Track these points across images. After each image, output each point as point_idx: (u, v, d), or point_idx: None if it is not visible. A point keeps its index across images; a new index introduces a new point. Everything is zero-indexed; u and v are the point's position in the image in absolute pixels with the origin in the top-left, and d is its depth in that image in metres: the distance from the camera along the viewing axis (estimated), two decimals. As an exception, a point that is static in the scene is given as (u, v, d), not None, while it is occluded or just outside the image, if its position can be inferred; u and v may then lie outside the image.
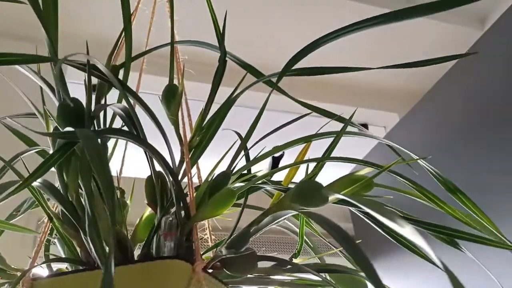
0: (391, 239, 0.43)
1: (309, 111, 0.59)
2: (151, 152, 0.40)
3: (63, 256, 0.46)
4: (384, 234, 0.44)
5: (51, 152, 0.41)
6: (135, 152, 0.62)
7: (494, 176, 1.15)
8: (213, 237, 0.60)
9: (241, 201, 0.49)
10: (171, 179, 0.43)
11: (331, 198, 0.35)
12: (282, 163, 0.54)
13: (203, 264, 0.41)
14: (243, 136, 0.52)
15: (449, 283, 0.21)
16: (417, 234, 0.23)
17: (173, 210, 0.47)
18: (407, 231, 0.23)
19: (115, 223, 0.35)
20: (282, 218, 0.35)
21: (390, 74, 1.76)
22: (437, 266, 0.23)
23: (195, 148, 0.51)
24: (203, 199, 0.46)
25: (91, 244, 0.41)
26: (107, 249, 0.41)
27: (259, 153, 0.52)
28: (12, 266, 0.51)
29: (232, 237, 0.42)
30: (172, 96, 0.51)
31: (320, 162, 0.45)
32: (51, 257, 0.47)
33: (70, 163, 0.39)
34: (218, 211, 0.44)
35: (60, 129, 0.39)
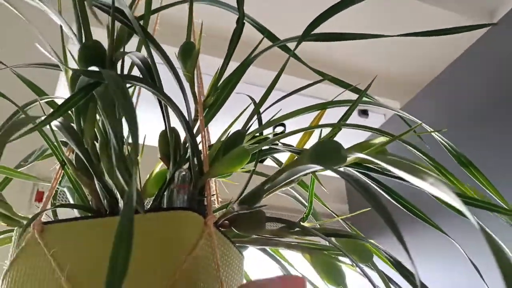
0: (403, 209, 0.43)
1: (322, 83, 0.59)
2: (170, 104, 0.40)
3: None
4: (396, 203, 0.44)
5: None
6: (143, 116, 0.62)
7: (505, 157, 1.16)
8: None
9: (251, 166, 0.49)
10: (186, 134, 0.43)
11: (351, 158, 0.35)
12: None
13: (214, 218, 0.41)
14: (258, 100, 0.51)
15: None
16: (452, 193, 0.23)
17: (185, 166, 0.47)
18: (443, 190, 0.23)
19: (137, 163, 0.35)
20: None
21: (393, 63, 1.74)
22: (478, 229, 0.23)
23: (209, 107, 0.51)
24: (217, 156, 0.46)
25: (105, 191, 0.41)
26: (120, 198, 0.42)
27: (272, 116, 0.52)
28: (20, 214, 0.51)
29: (245, 194, 0.42)
30: (188, 53, 0.51)
31: (335, 128, 0.45)
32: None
33: (87, 109, 0.39)
34: (232, 169, 0.44)
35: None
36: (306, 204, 0.60)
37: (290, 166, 0.37)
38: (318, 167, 0.31)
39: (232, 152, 0.43)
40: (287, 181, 0.38)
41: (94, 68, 0.33)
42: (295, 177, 0.35)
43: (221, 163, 0.43)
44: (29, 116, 0.32)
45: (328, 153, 0.34)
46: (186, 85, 0.51)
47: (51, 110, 0.38)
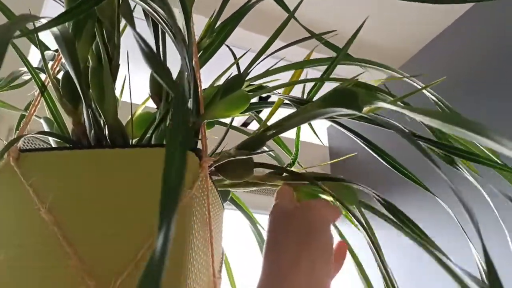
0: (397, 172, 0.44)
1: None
2: (169, 30, 0.37)
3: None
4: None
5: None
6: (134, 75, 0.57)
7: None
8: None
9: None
10: (184, 68, 0.40)
11: (371, 108, 0.34)
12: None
13: (210, 161, 0.39)
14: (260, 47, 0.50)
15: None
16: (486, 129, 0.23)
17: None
18: (490, 136, 0.22)
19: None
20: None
21: (385, 33, 1.75)
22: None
23: (204, 50, 0.48)
24: (214, 99, 0.44)
25: (92, 121, 0.38)
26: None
27: (272, 66, 0.50)
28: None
29: (246, 139, 0.41)
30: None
31: (318, 82, 0.44)
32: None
33: (84, 26, 0.35)
34: (230, 112, 0.42)
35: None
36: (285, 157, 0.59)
37: (303, 111, 0.36)
38: (340, 111, 0.30)
39: (232, 95, 0.42)
40: (293, 126, 0.37)
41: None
42: (311, 121, 0.34)
43: (219, 105, 0.41)
44: (30, 16, 0.28)
45: (347, 99, 0.33)
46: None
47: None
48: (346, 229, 0.52)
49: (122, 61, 0.42)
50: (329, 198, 0.46)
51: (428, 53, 1.64)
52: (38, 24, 0.32)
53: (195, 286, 0.35)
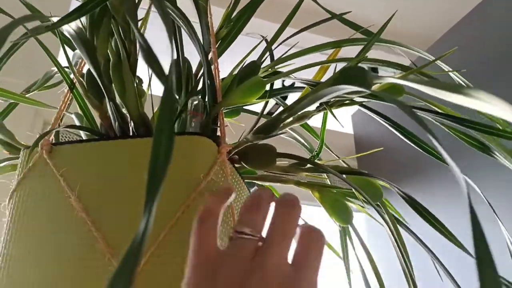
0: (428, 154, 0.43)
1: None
2: (185, 25, 0.39)
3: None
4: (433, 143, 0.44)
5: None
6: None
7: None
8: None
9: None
10: (202, 59, 0.41)
11: (380, 84, 0.34)
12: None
13: (228, 147, 0.40)
14: (273, 34, 0.50)
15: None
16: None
17: (196, 98, 0.45)
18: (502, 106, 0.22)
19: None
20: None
21: (403, 18, 1.70)
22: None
23: (222, 40, 0.49)
24: (231, 86, 0.44)
25: (116, 114, 0.40)
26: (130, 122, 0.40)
27: (285, 52, 0.51)
28: (22, 142, 0.50)
29: (261, 124, 0.41)
30: (202, -18, 0.48)
31: (353, 62, 0.44)
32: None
33: (101, 24, 0.37)
34: (246, 99, 0.42)
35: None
36: (308, 146, 0.59)
37: (313, 92, 0.36)
38: (348, 88, 0.30)
39: (248, 82, 0.42)
40: (307, 107, 0.37)
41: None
42: (319, 101, 0.34)
43: (236, 92, 0.42)
44: (42, 15, 0.30)
45: (357, 75, 0.33)
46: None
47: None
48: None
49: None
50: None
51: (453, 36, 1.55)
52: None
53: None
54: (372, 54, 0.47)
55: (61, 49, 0.43)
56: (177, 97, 0.46)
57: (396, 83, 0.31)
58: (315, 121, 0.68)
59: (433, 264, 0.46)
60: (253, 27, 0.57)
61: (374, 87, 0.35)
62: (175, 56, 0.45)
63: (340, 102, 0.45)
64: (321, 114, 0.53)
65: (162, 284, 0.34)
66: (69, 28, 0.33)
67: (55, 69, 0.48)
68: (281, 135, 0.62)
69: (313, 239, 0.29)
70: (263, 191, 0.31)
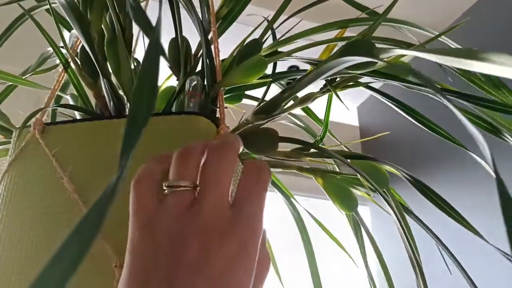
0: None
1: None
2: (187, 4, 0.37)
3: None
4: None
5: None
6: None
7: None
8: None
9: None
10: (201, 38, 0.40)
11: (388, 59, 0.32)
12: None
13: (227, 129, 0.39)
14: (273, 15, 0.48)
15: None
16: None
17: (194, 77, 0.44)
18: None
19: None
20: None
21: (413, 7, 1.67)
22: None
23: (222, 19, 0.47)
24: (231, 66, 0.43)
25: (111, 93, 0.38)
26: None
27: (288, 31, 0.49)
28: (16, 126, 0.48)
29: (262, 104, 0.39)
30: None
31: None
32: (62, 111, 0.44)
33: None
34: (247, 78, 0.41)
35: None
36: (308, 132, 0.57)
37: (317, 67, 0.34)
38: (356, 60, 0.28)
39: (249, 60, 0.40)
40: (311, 83, 0.35)
41: None
42: (323, 76, 0.32)
43: (236, 71, 0.40)
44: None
45: (360, 48, 0.31)
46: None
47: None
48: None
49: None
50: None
51: (467, 19, 1.53)
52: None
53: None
54: (378, 34, 0.45)
55: (58, 32, 0.41)
56: (175, 77, 0.44)
57: (406, 54, 0.29)
58: (317, 110, 0.66)
59: (439, 252, 0.44)
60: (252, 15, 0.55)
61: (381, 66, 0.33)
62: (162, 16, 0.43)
63: (345, 84, 0.43)
64: (323, 103, 0.51)
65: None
66: (62, 0, 0.31)
67: (51, 49, 0.46)
68: (282, 121, 0.61)
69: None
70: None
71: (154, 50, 0.18)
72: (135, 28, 0.40)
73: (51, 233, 0.34)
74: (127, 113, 0.40)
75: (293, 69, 1.31)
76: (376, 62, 0.33)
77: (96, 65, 0.36)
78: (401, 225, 0.39)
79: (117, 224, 0.33)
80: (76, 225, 0.13)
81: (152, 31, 0.19)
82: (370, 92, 0.48)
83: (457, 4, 1.57)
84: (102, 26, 0.37)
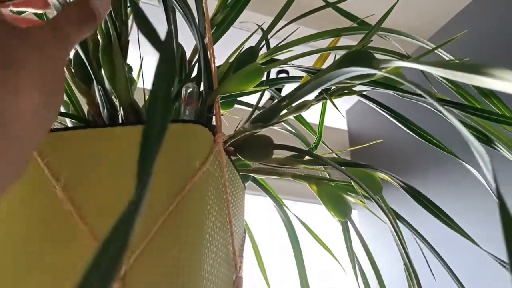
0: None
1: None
2: (185, 9, 0.36)
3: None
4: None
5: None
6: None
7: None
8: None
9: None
10: (198, 43, 0.39)
11: (386, 70, 0.32)
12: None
13: (224, 137, 0.38)
14: (271, 21, 0.48)
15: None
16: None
17: (190, 84, 0.43)
18: None
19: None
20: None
21: (398, 14, 1.70)
22: None
23: (217, 26, 0.47)
24: (227, 73, 0.42)
25: (105, 99, 0.37)
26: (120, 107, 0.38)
27: (282, 40, 0.49)
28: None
29: (259, 112, 0.39)
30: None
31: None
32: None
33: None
34: (244, 86, 0.40)
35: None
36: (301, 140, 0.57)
37: (316, 77, 0.34)
38: (356, 71, 0.28)
39: (245, 68, 0.40)
40: (309, 95, 0.35)
41: None
42: (323, 86, 0.32)
43: (233, 79, 0.40)
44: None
45: (360, 59, 0.31)
46: (191, 2, 0.47)
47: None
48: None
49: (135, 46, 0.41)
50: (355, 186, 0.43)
51: (454, 26, 1.57)
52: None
53: (213, 260, 0.34)
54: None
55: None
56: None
57: (404, 66, 0.29)
58: (308, 116, 0.66)
59: (423, 256, 0.45)
60: (247, 19, 0.55)
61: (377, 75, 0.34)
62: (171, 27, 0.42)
63: (340, 92, 0.43)
64: (314, 108, 0.51)
65: (154, 280, 0.31)
66: (55, 2, 0.30)
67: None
68: (275, 128, 0.60)
69: None
70: None
71: (166, 63, 0.18)
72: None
73: (44, 243, 0.33)
74: (120, 120, 0.39)
75: (282, 74, 1.31)
76: (374, 74, 0.34)
77: (91, 72, 0.35)
78: (395, 231, 0.39)
79: (102, 218, 0.32)
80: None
81: (162, 45, 0.18)
82: (359, 98, 0.48)
83: (442, 11, 1.61)
84: (97, 32, 0.37)
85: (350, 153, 1.75)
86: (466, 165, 0.41)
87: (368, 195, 0.41)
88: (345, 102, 1.81)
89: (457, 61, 0.43)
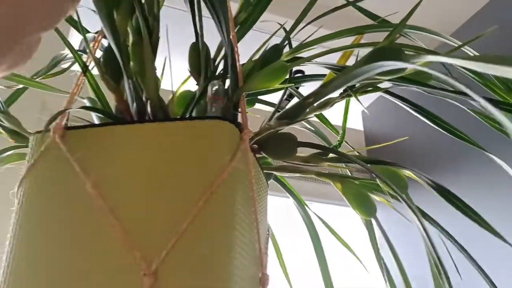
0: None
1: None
2: (215, 10, 0.37)
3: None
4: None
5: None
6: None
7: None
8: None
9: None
10: (223, 40, 0.39)
11: (411, 66, 0.32)
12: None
13: (250, 134, 0.38)
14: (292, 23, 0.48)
15: None
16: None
17: (216, 82, 0.43)
18: None
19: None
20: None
21: (423, 13, 1.69)
22: None
23: (241, 24, 0.47)
24: (252, 71, 0.43)
25: (134, 95, 0.38)
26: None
27: (305, 39, 0.49)
28: (28, 130, 0.47)
29: (285, 109, 0.39)
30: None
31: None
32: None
33: (121, 1, 0.35)
34: (269, 84, 0.41)
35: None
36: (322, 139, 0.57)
37: (343, 74, 0.34)
38: (386, 65, 0.28)
39: (270, 66, 0.40)
40: (334, 91, 0.35)
41: None
42: (351, 82, 0.32)
43: (258, 76, 0.40)
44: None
45: (390, 54, 0.31)
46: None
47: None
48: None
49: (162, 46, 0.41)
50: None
51: (478, 22, 1.55)
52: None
53: (242, 257, 0.34)
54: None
55: (70, 34, 0.41)
56: (195, 82, 0.44)
57: (436, 61, 0.29)
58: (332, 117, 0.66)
59: (451, 259, 0.45)
60: (267, 23, 0.55)
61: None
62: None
63: (365, 89, 0.43)
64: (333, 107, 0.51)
65: (185, 279, 0.31)
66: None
67: (64, 52, 0.46)
68: (295, 126, 0.60)
69: None
70: None
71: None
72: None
73: (73, 238, 0.34)
74: (148, 117, 0.39)
75: (298, 74, 1.31)
76: (404, 69, 0.34)
77: (122, 67, 0.36)
78: (424, 230, 0.39)
79: (146, 232, 0.33)
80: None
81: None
82: (375, 97, 0.48)
83: (462, 9, 1.60)
84: (128, 28, 0.37)
85: (366, 153, 1.75)
86: (501, 162, 0.40)
87: (395, 192, 0.41)
88: (362, 102, 1.80)
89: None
